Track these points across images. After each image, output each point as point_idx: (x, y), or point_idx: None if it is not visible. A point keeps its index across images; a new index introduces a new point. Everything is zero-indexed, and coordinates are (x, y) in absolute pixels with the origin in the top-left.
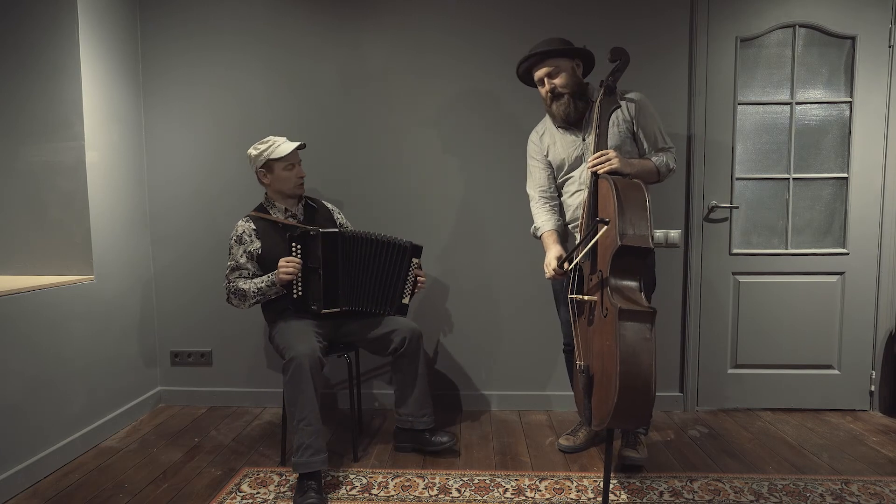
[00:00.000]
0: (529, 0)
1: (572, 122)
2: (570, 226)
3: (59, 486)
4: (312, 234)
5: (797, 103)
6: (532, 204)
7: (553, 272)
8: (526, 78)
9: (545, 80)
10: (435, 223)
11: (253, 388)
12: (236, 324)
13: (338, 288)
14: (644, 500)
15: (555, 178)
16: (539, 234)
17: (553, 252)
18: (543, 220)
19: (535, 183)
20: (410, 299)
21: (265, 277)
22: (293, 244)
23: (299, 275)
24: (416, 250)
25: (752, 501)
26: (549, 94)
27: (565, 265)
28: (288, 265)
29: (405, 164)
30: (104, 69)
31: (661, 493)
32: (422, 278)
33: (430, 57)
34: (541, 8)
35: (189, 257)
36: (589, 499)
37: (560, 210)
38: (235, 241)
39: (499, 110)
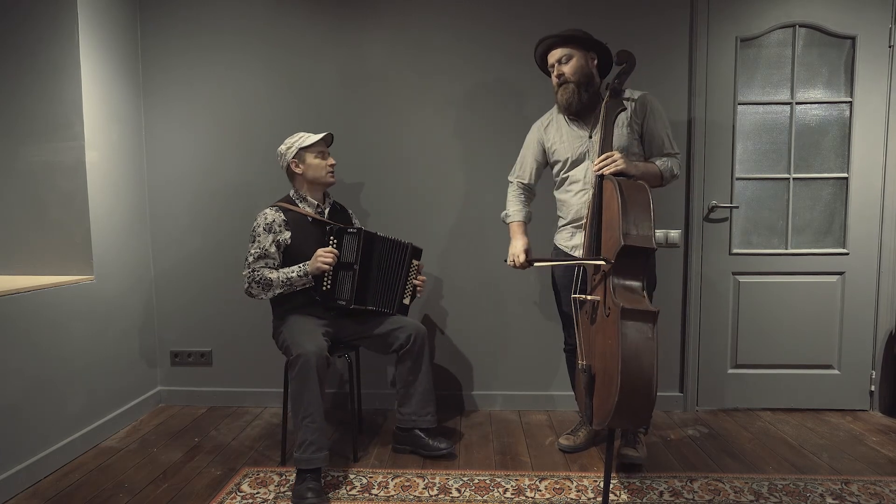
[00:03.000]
0: (530, 0)
1: (574, 112)
2: (569, 226)
3: (59, 485)
4: (352, 231)
5: (797, 103)
6: (510, 189)
7: (520, 265)
8: (542, 63)
9: (556, 65)
10: (436, 222)
11: (253, 388)
12: (236, 324)
13: (368, 287)
14: (644, 500)
15: (541, 172)
16: (508, 221)
17: (520, 243)
18: (515, 209)
19: (521, 173)
20: (411, 301)
21: (296, 267)
22: (331, 238)
23: (331, 268)
24: (416, 251)
25: (752, 501)
26: (557, 80)
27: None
28: (327, 256)
29: (406, 164)
30: (104, 69)
31: (661, 493)
32: (420, 281)
33: (431, 56)
34: (541, 7)
35: (189, 257)
36: (589, 499)
37: (557, 207)
38: (265, 228)
39: (500, 109)
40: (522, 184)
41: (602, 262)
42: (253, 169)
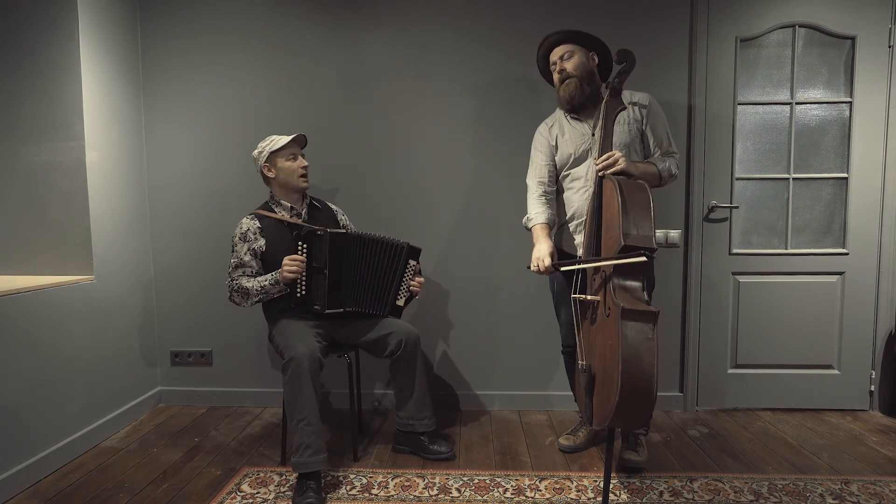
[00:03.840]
0: (530, 0)
1: (577, 107)
2: (570, 224)
3: (59, 485)
4: (320, 234)
5: (797, 103)
6: (529, 194)
7: (545, 269)
8: (543, 67)
9: (558, 62)
10: (435, 223)
11: (253, 388)
12: (236, 324)
13: (342, 289)
14: (644, 500)
15: (556, 173)
16: (531, 225)
17: (545, 247)
18: (537, 212)
19: (536, 174)
20: (406, 302)
21: (269, 276)
22: (299, 243)
23: (303, 274)
24: (413, 252)
25: (752, 501)
26: (559, 77)
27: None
28: (292, 264)
29: (405, 164)
30: (104, 69)
31: (661, 493)
32: (416, 282)
33: (431, 57)
34: (541, 8)
35: (189, 257)
36: (589, 499)
37: (557, 205)
38: (240, 238)
39: (500, 109)
40: (541, 183)
41: (641, 259)
42: (253, 169)
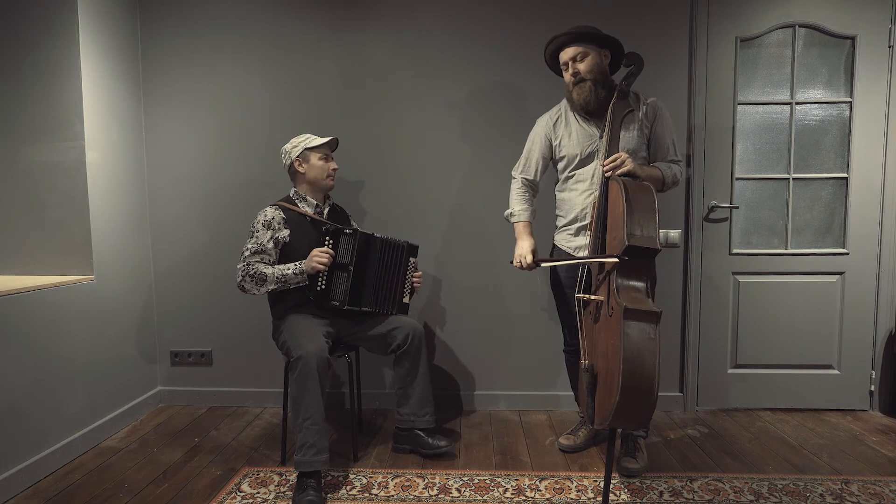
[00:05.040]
0: (530, 0)
1: (592, 112)
2: (573, 226)
3: (59, 485)
4: (349, 233)
5: (797, 103)
6: (513, 186)
7: (527, 266)
8: (552, 62)
9: (570, 63)
10: (437, 222)
11: (253, 388)
12: (236, 324)
13: (363, 287)
14: (644, 500)
15: (546, 168)
16: (514, 221)
17: (527, 244)
18: (521, 209)
19: (526, 169)
20: (410, 298)
21: (291, 265)
22: (327, 238)
23: (326, 269)
24: (413, 249)
25: (752, 501)
26: (572, 79)
27: (542, 264)
28: (323, 256)
29: (407, 164)
30: (104, 69)
31: (661, 493)
32: (418, 278)
33: (432, 57)
34: (541, 8)
35: (189, 257)
36: (589, 499)
37: (557, 205)
38: (263, 224)
39: (501, 109)
40: (527, 180)
41: (614, 259)
42: (253, 169)
